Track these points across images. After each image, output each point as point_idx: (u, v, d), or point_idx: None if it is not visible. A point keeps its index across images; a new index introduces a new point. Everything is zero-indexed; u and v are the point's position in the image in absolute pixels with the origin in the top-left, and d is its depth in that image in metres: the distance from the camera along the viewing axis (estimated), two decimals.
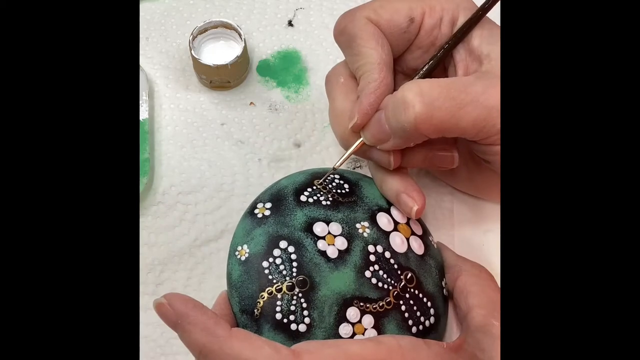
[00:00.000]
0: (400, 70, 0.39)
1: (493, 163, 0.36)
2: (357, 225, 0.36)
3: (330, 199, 0.37)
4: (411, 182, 0.37)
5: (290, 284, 0.34)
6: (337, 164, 0.38)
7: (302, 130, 0.46)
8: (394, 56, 0.37)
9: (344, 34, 0.37)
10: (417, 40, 0.37)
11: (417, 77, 0.36)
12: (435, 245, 0.39)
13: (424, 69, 0.36)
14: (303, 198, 0.37)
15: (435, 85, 0.33)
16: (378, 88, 0.35)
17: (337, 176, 0.39)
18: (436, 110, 0.32)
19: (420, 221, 0.40)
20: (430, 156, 0.38)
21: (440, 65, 0.37)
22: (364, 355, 0.30)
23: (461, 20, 0.36)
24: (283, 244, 0.35)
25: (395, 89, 0.36)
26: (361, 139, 0.36)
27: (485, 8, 0.36)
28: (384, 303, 0.34)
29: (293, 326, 0.33)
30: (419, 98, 0.32)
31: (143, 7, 0.49)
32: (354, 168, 0.44)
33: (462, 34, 0.36)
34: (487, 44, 0.35)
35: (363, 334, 0.34)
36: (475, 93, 0.32)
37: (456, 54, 0.36)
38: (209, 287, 0.41)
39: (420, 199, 0.36)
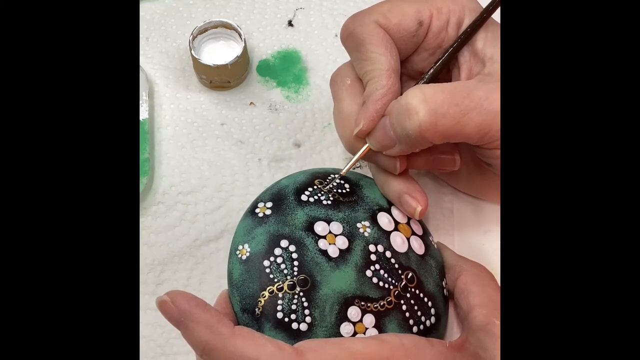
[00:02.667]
0: (405, 72, 0.39)
1: (495, 166, 0.36)
2: (358, 225, 0.36)
3: (331, 198, 0.37)
4: (413, 182, 0.37)
5: (292, 282, 0.34)
6: (343, 171, 0.38)
7: (302, 130, 0.46)
8: (400, 59, 0.37)
9: (352, 38, 0.36)
10: (424, 42, 0.37)
11: (421, 82, 0.36)
12: (435, 245, 0.39)
13: (428, 74, 0.36)
14: (304, 197, 0.37)
15: (439, 91, 0.32)
16: (385, 95, 0.35)
17: (338, 176, 0.39)
18: (440, 117, 0.32)
19: (420, 221, 0.40)
20: (432, 159, 0.38)
21: (444, 68, 0.37)
22: (367, 354, 0.30)
23: (467, 22, 0.36)
24: (284, 243, 0.35)
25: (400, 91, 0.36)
26: (367, 144, 0.36)
27: (490, 10, 0.36)
28: (385, 302, 0.34)
29: (294, 325, 0.33)
30: (423, 105, 0.32)
31: (143, 7, 0.49)
32: (354, 168, 0.44)
33: (466, 37, 0.36)
34: (491, 46, 0.35)
35: (364, 333, 0.34)
36: (479, 99, 0.32)
37: (460, 56, 0.36)
38: (209, 287, 0.41)
39: (423, 199, 0.36)
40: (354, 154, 0.37)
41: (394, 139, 0.34)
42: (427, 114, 0.32)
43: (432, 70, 0.36)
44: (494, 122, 0.32)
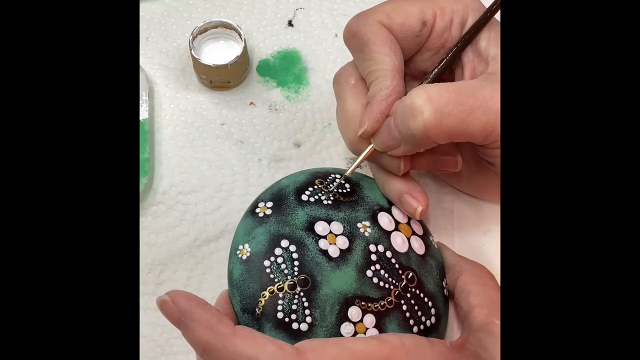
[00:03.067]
0: (409, 72, 0.39)
1: (497, 166, 0.36)
2: (359, 225, 0.36)
3: (332, 198, 0.37)
4: (414, 182, 0.37)
5: (292, 282, 0.34)
6: (348, 172, 0.38)
7: (302, 130, 0.46)
8: (403, 59, 0.36)
9: (355, 38, 0.36)
10: (428, 42, 0.37)
11: (425, 82, 0.36)
12: (435, 245, 0.39)
13: (432, 74, 0.36)
14: (304, 197, 0.37)
15: (444, 90, 0.32)
16: (390, 95, 0.35)
17: (338, 176, 0.39)
18: (445, 117, 0.32)
19: (420, 221, 0.40)
20: (434, 160, 0.38)
21: (448, 68, 0.37)
22: (368, 353, 0.30)
23: (470, 22, 0.36)
24: (284, 243, 0.35)
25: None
26: (372, 145, 0.36)
27: (493, 10, 0.36)
28: (385, 302, 0.34)
29: (295, 325, 0.33)
30: (427, 105, 0.32)
31: (143, 7, 0.49)
32: None
33: (470, 37, 0.36)
34: (494, 46, 0.35)
35: (364, 333, 0.34)
36: (484, 98, 0.32)
37: (464, 56, 0.36)
38: (209, 287, 0.41)
39: (423, 199, 0.36)
40: (357, 154, 0.37)
41: (399, 139, 0.34)
42: (431, 114, 0.32)
43: (436, 70, 0.36)
44: (499, 121, 0.32)
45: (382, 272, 0.35)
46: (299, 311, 0.33)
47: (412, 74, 0.39)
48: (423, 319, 0.35)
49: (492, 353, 0.32)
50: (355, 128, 0.36)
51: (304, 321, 0.33)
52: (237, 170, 0.45)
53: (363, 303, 0.34)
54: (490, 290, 0.36)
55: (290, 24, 0.49)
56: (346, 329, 0.33)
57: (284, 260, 0.34)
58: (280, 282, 0.34)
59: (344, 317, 0.33)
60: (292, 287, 0.34)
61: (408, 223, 0.38)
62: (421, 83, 0.36)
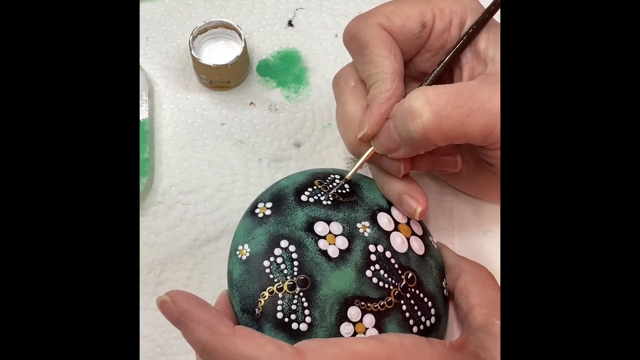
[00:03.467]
0: (408, 74, 0.39)
1: (497, 167, 0.36)
2: (358, 225, 0.36)
3: (331, 198, 0.37)
4: (413, 183, 0.37)
5: (291, 283, 0.34)
6: (348, 175, 0.38)
7: (302, 130, 0.46)
8: (403, 61, 0.36)
9: (355, 40, 0.36)
10: (427, 44, 0.37)
11: (424, 84, 0.36)
12: (435, 246, 0.39)
13: (431, 76, 0.36)
14: (304, 198, 0.37)
15: (442, 93, 0.32)
16: (390, 98, 0.35)
17: (337, 176, 0.39)
18: (444, 119, 0.32)
19: (420, 221, 0.40)
20: (434, 160, 0.38)
21: (447, 69, 0.37)
22: (367, 353, 0.30)
23: (469, 22, 0.36)
24: (284, 243, 0.35)
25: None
26: (372, 148, 0.36)
27: (491, 11, 0.35)
28: (385, 302, 0.34)
29: (294, 325, 0.33)
30: (426, 107, 0.32)
31: (143, 7, 0.49)
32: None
33: (469, 38, 0.36)
34: (493, 47, 0.35)
35: (364, 333, 0.34)
36: (482, 100, 0.32)
37: (462, 57, 0.36)
38: (209, 287, 0.41)
39: (423, 200, 0.36)
40: (357, 156, 0.37)
41: (398, 142, 0.34)
42: (430, 116, 0.32)
43: (435, 72, 0.36)
44: (498, 122, 0.32)
45: (382, 272, 0.35)
46: (298, 311, 0.33)
47: (412, 75, 0.39)
48: (423, 319, 0.35)
49: (492, 353, 0.32)
50: (355, 130, 0.36)
51: (304, 321, 0.33)
52: (237, 170, 0.45)
53: (362, 303, 0.34)
54: (490, 291, 0.36)
55: (290, 24, 0.49)
56: (346, 329, 0.33)
57: (284, 261, 0.34)
58: (280, 283, 0.34)
59: (343, 317, 0.33)
60: (292, 287, 0.34)
61: (407, 223, 0.38)
62: (420, 85, 0.36)
